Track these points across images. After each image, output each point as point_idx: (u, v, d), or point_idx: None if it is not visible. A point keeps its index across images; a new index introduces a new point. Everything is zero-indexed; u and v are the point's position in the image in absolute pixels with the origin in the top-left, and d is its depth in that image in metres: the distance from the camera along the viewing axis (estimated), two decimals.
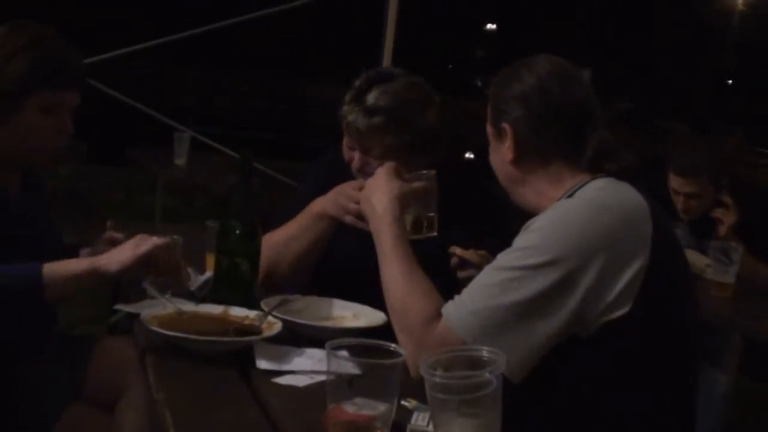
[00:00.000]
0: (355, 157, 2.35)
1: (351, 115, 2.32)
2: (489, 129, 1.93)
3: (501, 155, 1.89)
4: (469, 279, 2.00)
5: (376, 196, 2.01)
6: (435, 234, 2.10)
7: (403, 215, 1.99)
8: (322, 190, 2.38)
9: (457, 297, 1.73)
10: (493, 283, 1.69)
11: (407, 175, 2.08)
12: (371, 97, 2.30)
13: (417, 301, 1.78)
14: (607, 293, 1.64)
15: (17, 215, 2.13)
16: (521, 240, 1.72)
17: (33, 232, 2.17)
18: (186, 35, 7.26)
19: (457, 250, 2.12)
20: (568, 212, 1.72)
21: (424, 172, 2.11)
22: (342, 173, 2.40)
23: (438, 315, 1.73)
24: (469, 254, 2.12)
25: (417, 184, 2.08)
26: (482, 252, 2.12)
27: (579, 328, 1.66)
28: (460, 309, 1.70)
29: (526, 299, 1.64)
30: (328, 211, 2.30)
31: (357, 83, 2.35)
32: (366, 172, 2.30)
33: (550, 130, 1.85)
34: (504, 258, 1.72)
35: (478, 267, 2.04)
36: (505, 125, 1.86)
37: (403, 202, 2.01)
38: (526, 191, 1.88)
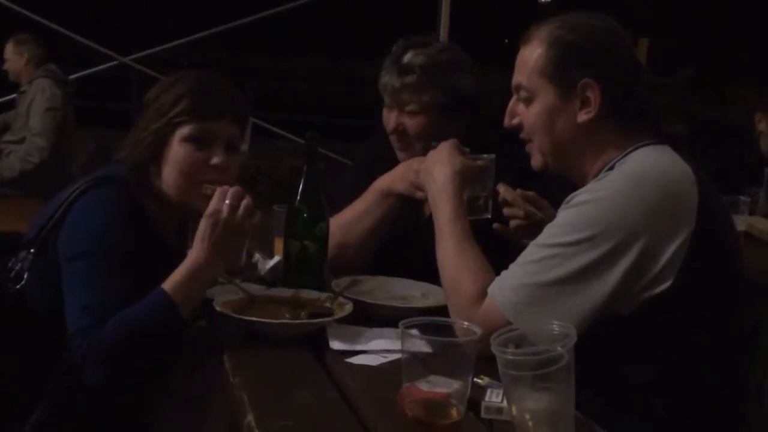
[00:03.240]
0: (392, 119, 2.38)
1: (386, 76, 2.37)
2: (540, 84, 1.78)
3: (568, 114, 1.76)
4: (514, 218, 2.07)
5: (438, 168, 2.00)
6: (488, 216, 2.10)
7: (462, 191, 1.99)
8: (372, 171, 2.43)
9: (503, 273, 1.74)
10: (533, 260, 1.68)
11: (469, 154, 2.08)
12: (406, 58, 2.36)
13: (466, 280, 1.79)
14: (648, 270, 1.62)
15: (171, 264, 2.05)
16: (562, 215, 1.71)
17: None
18: (244, 22, 7.33)
19: (501, 188, 2.09)
20: (608, 187, 1.67)
21: (485, 155, 2.10)
22: (389, 152, 2.45)
23: (485, 294, 1.73)
24: (514, 194, 2.09)
25: (479, 163, 2.07)
26: (530, 193, 2.10)
27: (620, 304, 1.64)
28: (503, 287, 1.71)
29: (565, 277, 1.64)
30: (395, 188, 2.31)
31: (393, 48, 2.40)
32: (399, 133, 2.37)
33: (635, 88, 1.77)
34: (545, 234, 1.71)
35: (523, 207, 2.06)
36: (589, 80, 1.73)
37: (464, 178, 1.99)
38: (584, 157, 1.79)
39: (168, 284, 1.86)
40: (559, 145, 1.80)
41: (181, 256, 2.06)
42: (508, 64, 1.90)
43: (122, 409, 2.06)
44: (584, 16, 1.80)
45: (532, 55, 1.79)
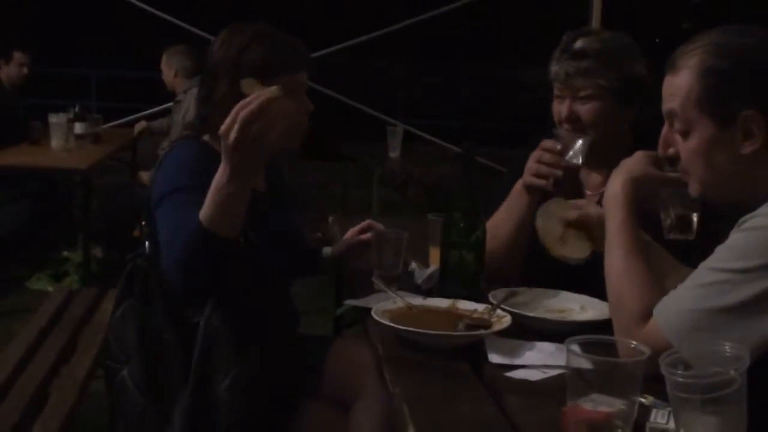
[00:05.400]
0: (564, 107, 2.34)
1: (558, 64, 2.34)
2: (696, 116, 1.66)
3: (729, 147, 1.64)
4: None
5: (615, 175, 1.90)
6: (691, 237, 1.91)
7: (634, 200, 1.87)
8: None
9: (670, 293, 1.66)
10: (702, 284, 1.60)
11: (668, 168, 1.91)
12: (578, 45, 2.33)
13: (630, 297, 1.72)
14: None
15: (263, 214, 2.18)
16: (734, 238, 1.61)
17: (278, 231, 2.25)
18: (392, 30, 7.41)
19: None
20: None
21: None
22: None
23: (649, 314, 1.66)
24: None
25: (672, 175, 1.89)
26: None
27: None
28: (668, 308, 1.63)
29: (735, 305, 1.55)
30: (524, 182, 2.31)
31: (563, 38, 2.38)
32: (572, 122, 2.32)
33: None
34: (716, 256, 1.62)
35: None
36: (751, 112, 1.61)
37: (640, 186, 1.87)
38: (748, 187, 1.66)
39: (201, 211, 1.86)
40: (720, 178, 1.69)
41: (275, 203, 2.29)
42: (660, 63, 1.81)
43: (273, 405, 2.11)
44: (736, 33, 1.66)
45: (682, 83, 1.67)
